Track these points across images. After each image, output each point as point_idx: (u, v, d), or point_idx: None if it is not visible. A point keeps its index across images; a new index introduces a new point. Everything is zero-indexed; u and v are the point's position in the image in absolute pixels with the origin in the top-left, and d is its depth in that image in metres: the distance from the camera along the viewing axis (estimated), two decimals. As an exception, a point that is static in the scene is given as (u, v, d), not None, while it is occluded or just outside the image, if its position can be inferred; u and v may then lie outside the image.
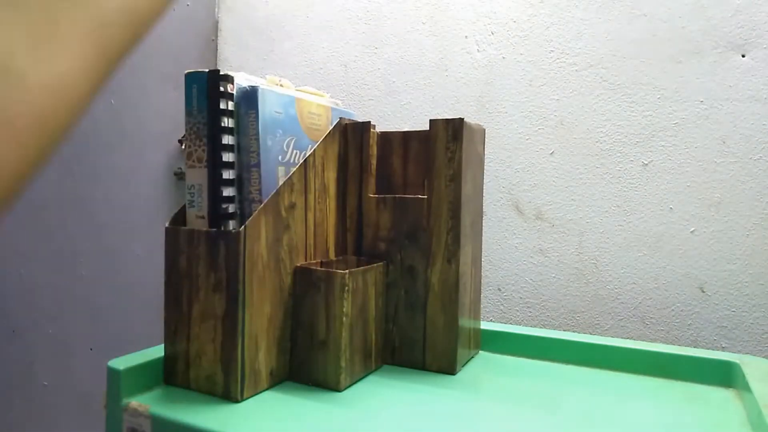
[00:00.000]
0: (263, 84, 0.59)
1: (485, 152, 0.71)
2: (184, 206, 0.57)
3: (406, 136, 0.66)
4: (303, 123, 0.62)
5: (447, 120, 0.61)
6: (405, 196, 0.64)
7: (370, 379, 0.60)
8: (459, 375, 0.62)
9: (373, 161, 0.66)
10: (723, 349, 0.77)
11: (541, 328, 0.87)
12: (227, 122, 0.55)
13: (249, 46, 1.15)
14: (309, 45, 1.08)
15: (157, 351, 0.58)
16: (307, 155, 0.60)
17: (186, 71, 0.56)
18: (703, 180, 0.78)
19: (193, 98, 0.56)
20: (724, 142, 0.77)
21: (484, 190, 0.71)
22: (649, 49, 0.81)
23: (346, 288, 0.55)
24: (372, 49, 1.01)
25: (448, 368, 0.61)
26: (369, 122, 0.66)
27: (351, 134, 0.66)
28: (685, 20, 0.79)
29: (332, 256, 0.65)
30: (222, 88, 0.54)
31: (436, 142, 0.61)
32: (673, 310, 0.80)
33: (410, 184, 0.66)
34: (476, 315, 0.69)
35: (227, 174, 0.55)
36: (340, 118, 0.66)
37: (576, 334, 0.70)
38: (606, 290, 0.84)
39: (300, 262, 0.59)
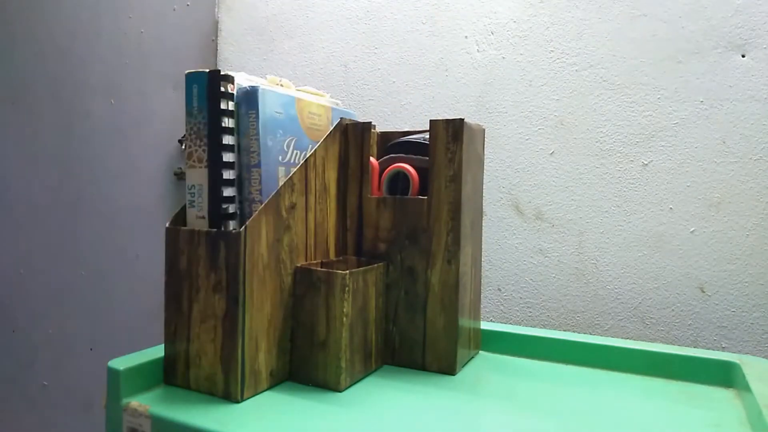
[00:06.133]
0: (263, 84, 0.59)
1: (485, 152, 0.71)
2: (185, 206, 0.57)
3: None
4: (303, 123, 0.62)
5: (447, 120, 0.61)
6: (405, 196, 0.64)
7: (370, 380, 0.60)
8: (459, 375, 0.62)
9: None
10: (723, 349, 0.77)
11: (541, 328, 0.87)
12: (227, 122, 0.55)
13: (249, 46, 1.15)
14: (309, 45, 1.08)
15: (157, 351, 0.58)
16: (308, 155, 0.60)
17: (186, 71, 0.56)
18: (703, 180, 0.78)
19: (194, 98, 0.56)
20: (724, 142, 0.77)
21: (484, 190, 0.71)
22: (649, 49, 0.81)
23: (347, 288, 0.55)
24: (372, 49, 1.01)
25: (448, 368, 0.61)
26: (369, 122, 0.66)
27: (351, 134, 0.66)
28: (685, 20, 0.79)
29: (332, 256, 0.65)
30: (222, 88, 0.54)
31: (436, 143, 0.61)
32: (673, 310, 0.80)
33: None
34: (476, 315, 0.69)
35: (227, 174, 0.55)
36: (341, 118, 0.66)
37: (576, 334, 0.70)
38: (606, 290, 0.84)
39: (300, 262, 0.59)
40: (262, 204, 0.54)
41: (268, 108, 0.57)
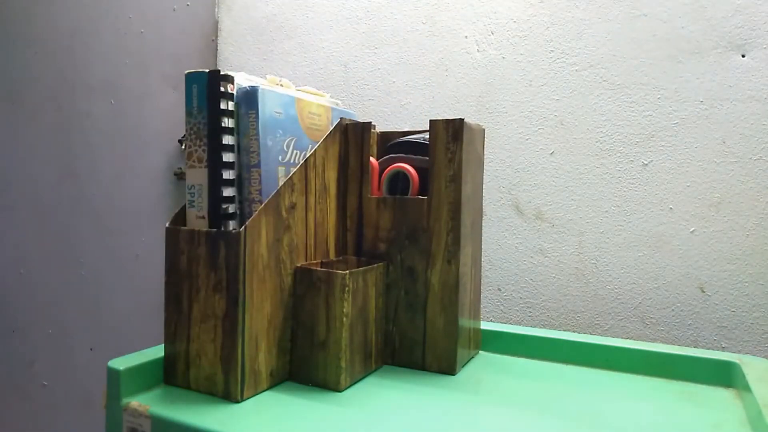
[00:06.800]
0: (263, 84, 0.59)
1: (485, 152, 0.71)
2: (184, 206, 0.57)
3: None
4: (303, 123, 0.62)
5: (447, 120, 0.61)
6: (405, 196, 0.64)
7: (370, 380, 0.60)
8: (459, 375, 0.62)
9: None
10: (723, 349, 0.77)
11: (541, 328, 0.87)
12: (227, 122, 0.55)
13: (249, 46, 1.15)
14: (309, 45, 1.08)
15: (157, 351, 0.58)
16: (308, 155, 0.60)
17: (186, 71, 0.56)
18: (703, 180, 0.78)
19: (194, 98, 0.56)
20: (724, 142, 0.77)
21: (484, 190, 0.71)
22: (649, 49, 0.81)
23: (347, 288, 0.55)
24: (372, 49, 1.01)
25: (448, 368, 0.61)
26: (369, 122, 0.66)
27: (351, 134, 0.66)
28: (685, 20, 0.79)
29: (332, 256, 0.65)
30: (222, 88, 0.54)
31: (436, 143, 0.61)
32: (673, 310, 0.80)
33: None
34: (476, 315, 0.69)
35: (227, 174, 0.55)
36: (341, 118, 0.66)
37: (576, 334, 0.70)
38: (606, 290, 0.84)
39: (300, 262, 0.59)
40: (262, 204, 0.54)
41: (267, 108, 0.57)
